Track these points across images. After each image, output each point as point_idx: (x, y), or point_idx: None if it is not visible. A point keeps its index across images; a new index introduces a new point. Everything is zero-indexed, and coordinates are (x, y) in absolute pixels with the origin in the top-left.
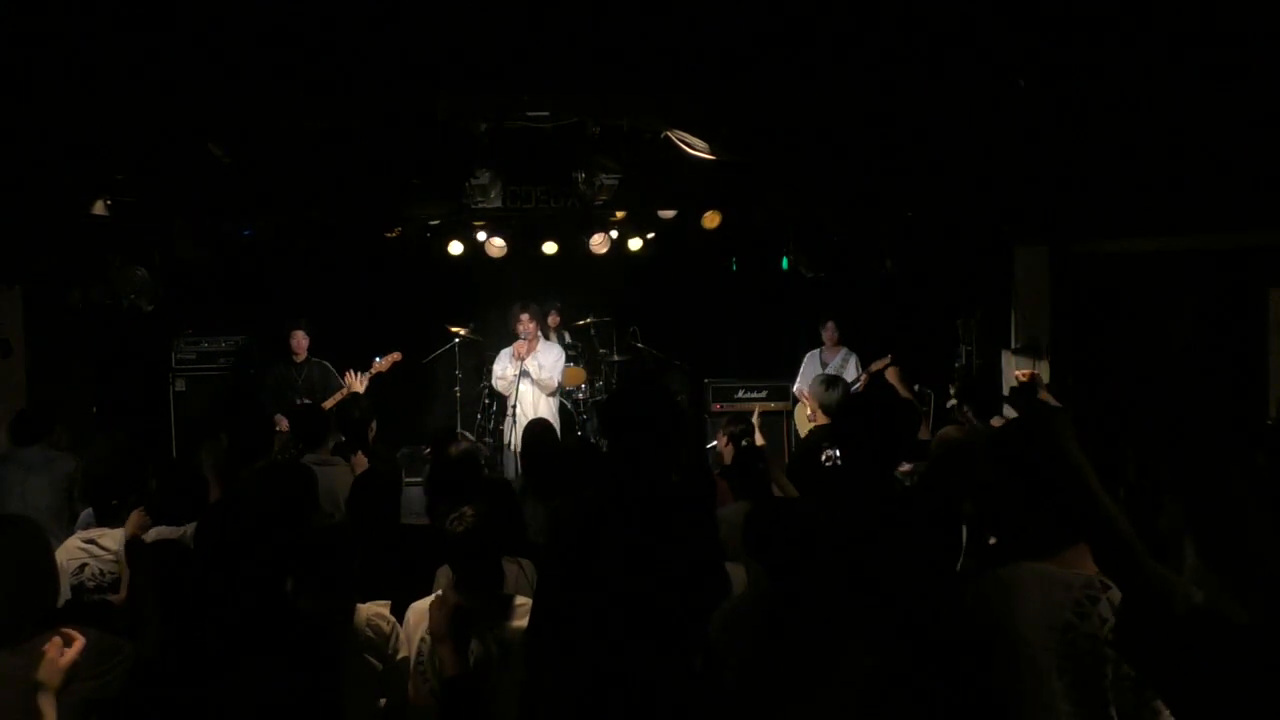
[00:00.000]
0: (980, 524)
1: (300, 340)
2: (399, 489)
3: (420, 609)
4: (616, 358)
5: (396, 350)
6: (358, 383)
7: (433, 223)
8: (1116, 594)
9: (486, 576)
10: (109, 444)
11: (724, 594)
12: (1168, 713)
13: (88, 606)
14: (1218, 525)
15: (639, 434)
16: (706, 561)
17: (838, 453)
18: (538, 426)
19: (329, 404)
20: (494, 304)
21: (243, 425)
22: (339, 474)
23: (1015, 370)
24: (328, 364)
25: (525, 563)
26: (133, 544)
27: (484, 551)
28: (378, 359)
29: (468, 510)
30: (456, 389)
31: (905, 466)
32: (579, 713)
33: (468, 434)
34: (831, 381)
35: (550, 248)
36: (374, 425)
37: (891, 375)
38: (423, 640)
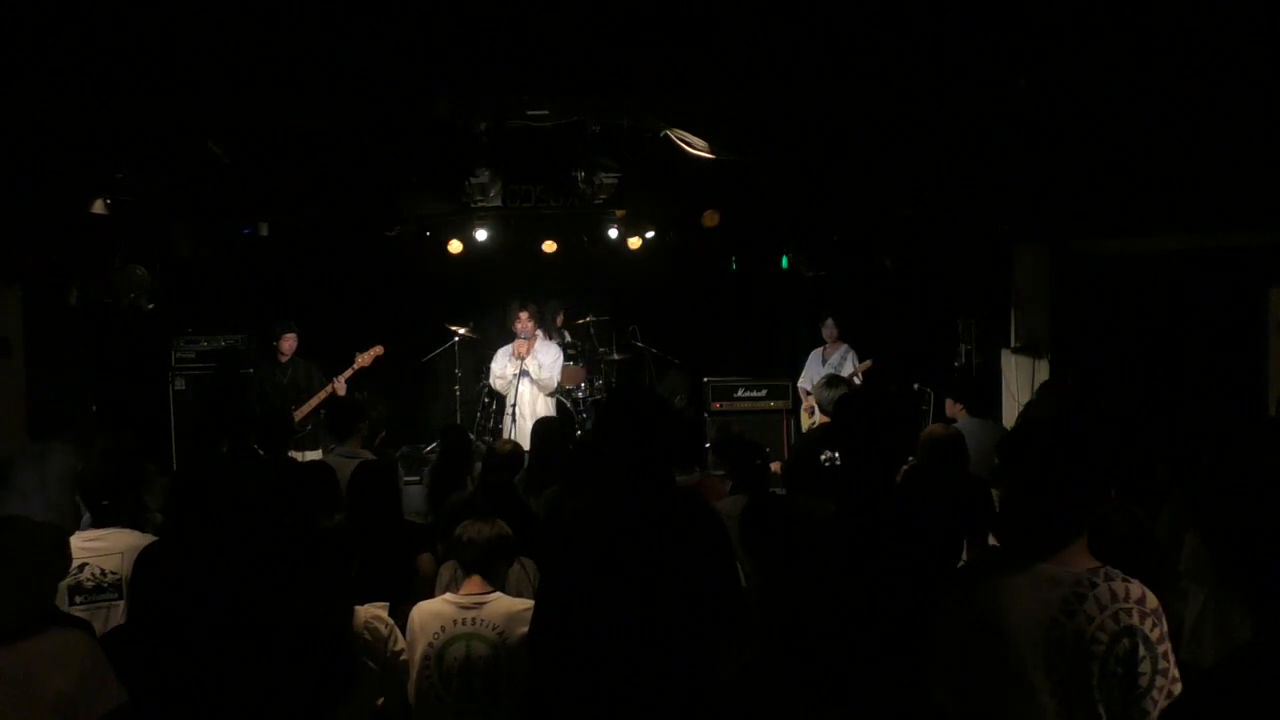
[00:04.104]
0: (981, 523)
1: (289, 342)
2: (397, 483)
3: (425, 610)
4: (616, 357)
5: (378, 344)
6: (338, 384)
7: (432, 222)
8: (1105, 591)
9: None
10: (104, 444)
11: (740, 622)
12: (1155, 712)
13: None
14: (1232, 528)
15: (636, 435)
16: (717, 581)
17: (836, 453)
18: (550, 425)
19: (309, 406)
20: (494, 303)
21: (238, 425)
22: None
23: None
24: (313, 364)
25: (528, 562)
26: None
27: (505, 556)
28: (358, 354)
29: (487, 525)
30: (456, 388)
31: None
32: (583, 712)
33: (469, 433)
34: (832, 381)
35: (550, 247)
36: (366, 424)
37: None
38: (429, 645)
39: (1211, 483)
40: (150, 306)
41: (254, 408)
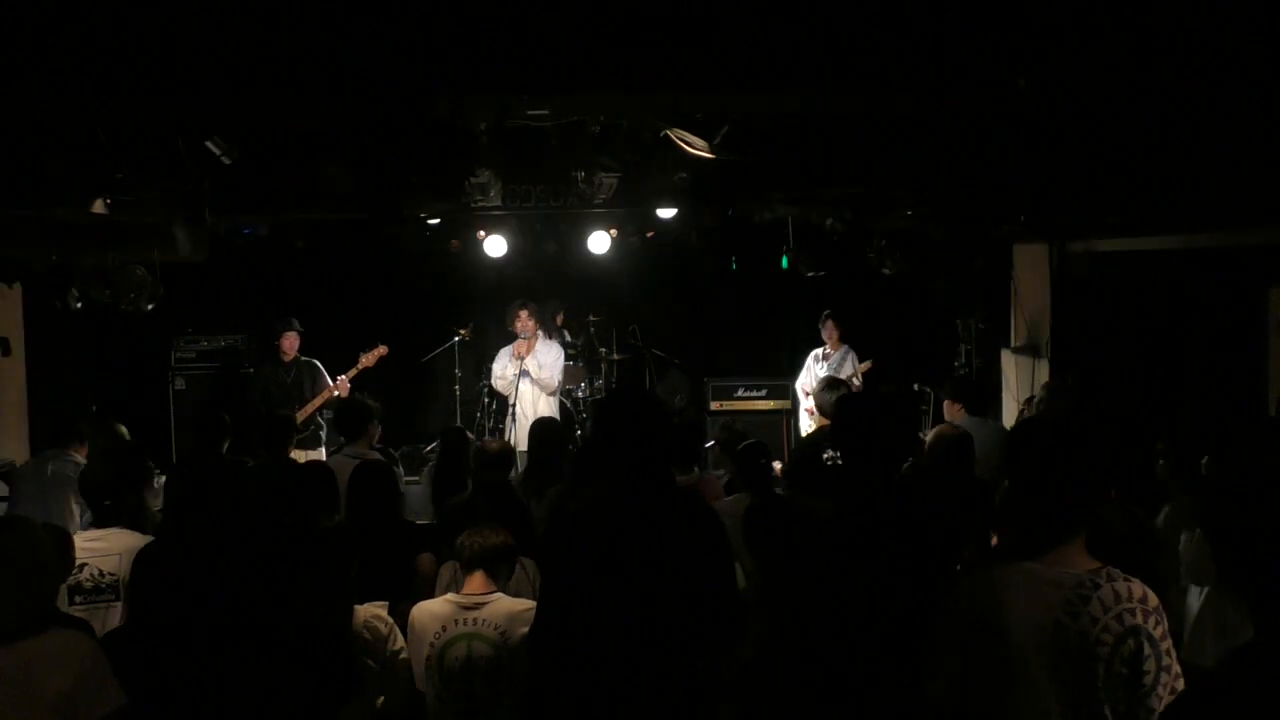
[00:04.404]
0: (981, 523)
1: (290, 341)
2: (397, 483)
3: (426, 610)
4: (616, 357)
5: (382, 344)
6: (342, 384)
7: (432, 222)
8: (1108, 591)
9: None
10: (105, 442)
11: (739, 622)
12: (1160, 709)
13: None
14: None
15: (636, 435)
16: (715, 584)
17: (838, 453)
18: (547, 425)
19: (312, 406)
20: (494, 304)
21: (240, 425)
22: None
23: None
24: (317, 364)
25: (528, 562)
26: None
27: (507, 561)
28: (362, 355)
29: (491, 534)
30: (456, 388)
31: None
32: (583, 712)
33: (468, 433)
34: (832, 384)
35: (550, 247)
36: (377, 426)
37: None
38: (430, 645)
39: (1212, 482)
40: (150, 306)
41: (258, 407)
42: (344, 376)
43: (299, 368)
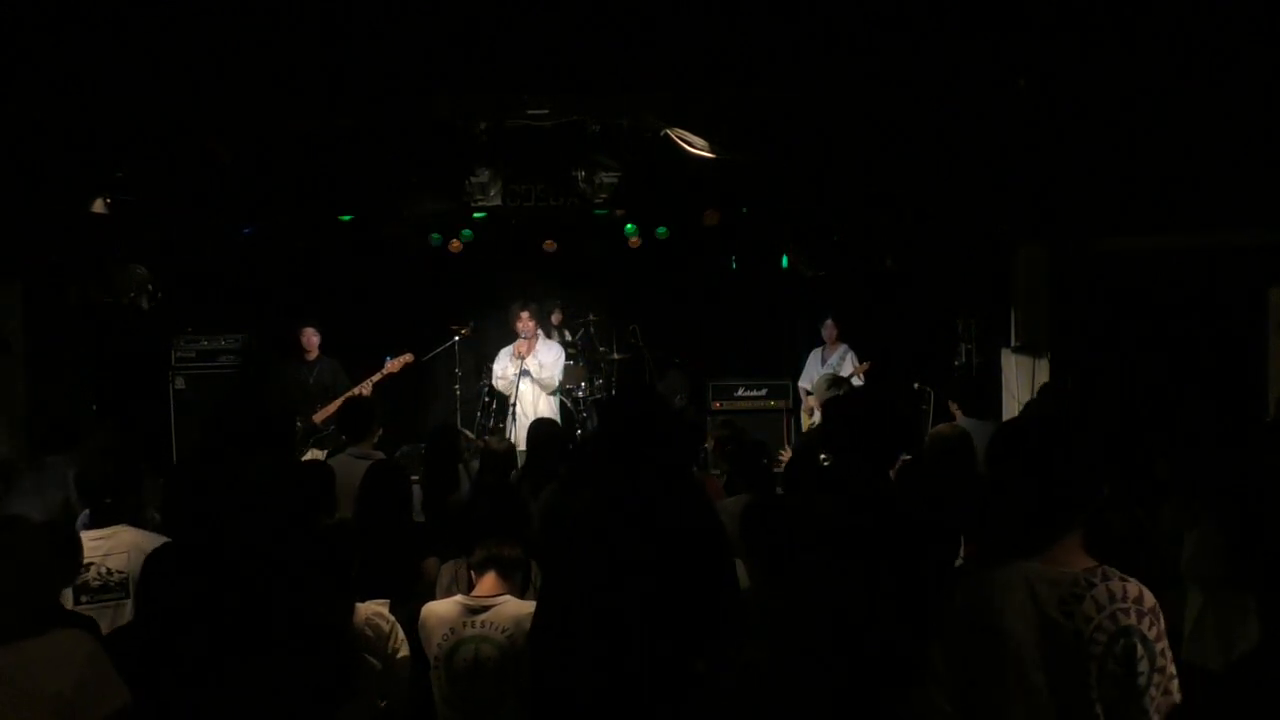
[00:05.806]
0: (977, 522)
1: (310, 338)
2: (409, 484)
3: (434, 612)
4: (616, 357)
5: (408, 352)
6: (365, 388)
7: (433, 221)
8: (1103, 591)
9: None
10: (102, 441)
11: (739, 622)
12: (1153, 709)
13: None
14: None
15: (638, 438)
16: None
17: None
18: (546, 425)
19: (333, 406)
20: (494, 303)
21: (246, 423)
22: None
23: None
24: (338, 363)
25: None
26: None
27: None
28: (389, 360)
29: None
30: (456, 387)
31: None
32: (583, 712)
33: (468, 431)
34: (835, 382)
35: (550, 246)
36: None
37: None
38: (438, 647)
39: (1217, 484)
40: (150, 305)
41: (270, 405)
42: (368, 380)
43: (321, 367)
